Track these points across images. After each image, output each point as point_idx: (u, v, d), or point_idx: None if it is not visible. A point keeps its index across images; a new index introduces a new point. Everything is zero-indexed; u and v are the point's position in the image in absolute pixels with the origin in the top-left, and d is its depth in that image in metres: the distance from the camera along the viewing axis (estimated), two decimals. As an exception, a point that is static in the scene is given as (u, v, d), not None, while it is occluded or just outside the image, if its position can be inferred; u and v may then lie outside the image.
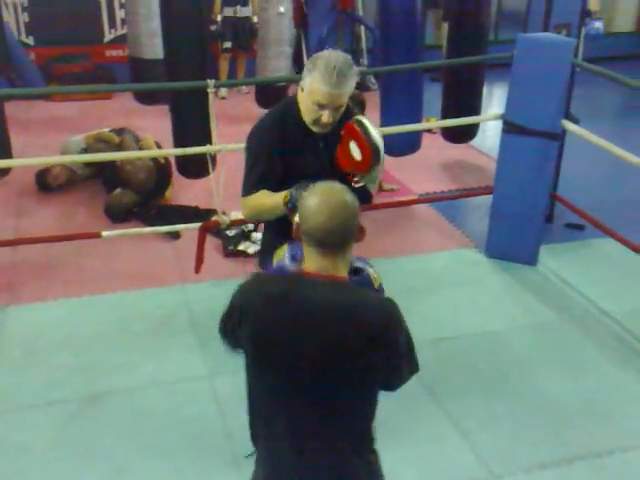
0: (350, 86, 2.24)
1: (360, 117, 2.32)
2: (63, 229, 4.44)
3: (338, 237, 1.64)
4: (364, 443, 1.76)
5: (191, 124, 4.10)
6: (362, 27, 8.29)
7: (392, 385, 1.81)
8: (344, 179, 2.36)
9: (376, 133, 2.26)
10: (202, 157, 3.88)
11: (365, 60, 8.41)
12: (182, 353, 3.45)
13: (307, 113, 2.30)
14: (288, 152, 2.35)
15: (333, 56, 2.22)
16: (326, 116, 2.26)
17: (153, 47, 5.84)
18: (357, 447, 1.72)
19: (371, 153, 2.26)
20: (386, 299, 1.72)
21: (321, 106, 2.24)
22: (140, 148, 5.12)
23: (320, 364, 1.61)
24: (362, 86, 7.82)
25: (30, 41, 7.55)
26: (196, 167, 4.19)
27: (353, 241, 1.68)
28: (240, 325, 1.70)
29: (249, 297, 1.71)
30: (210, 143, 3.75)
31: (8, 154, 4.26)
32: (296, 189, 2.18)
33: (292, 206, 2.16)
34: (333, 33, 8.24)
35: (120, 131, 5.38)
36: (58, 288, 3.93)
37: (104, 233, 3.80)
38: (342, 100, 2.26)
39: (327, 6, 8.11)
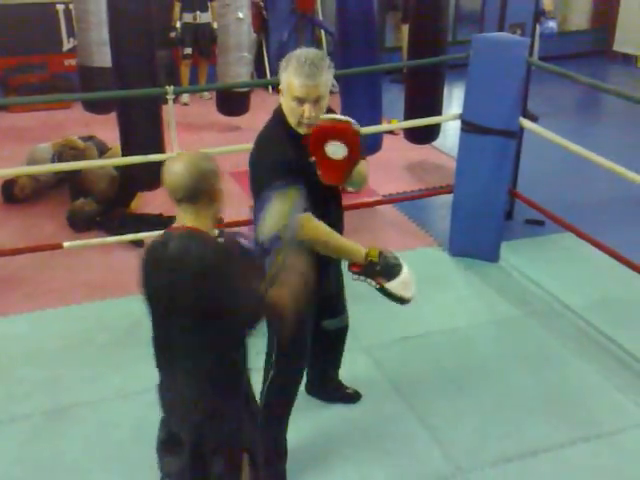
0: (325, 78, 2.26)
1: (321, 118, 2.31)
2: (27, 241, 4.36)
3: (186, 192, 1.86)
4: (207, 384, 1.94)
5: (142, 133, 4.08)
6: (322, 31, 8.32)
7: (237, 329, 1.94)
8: (335, 196, 2.47)
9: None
10: (156, 167, 3.85)
11: (326, 63, 8.43)
12: (148, 363, 3.40)
13: (291, 114, 2.31)
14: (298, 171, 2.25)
15: (304, 51, 2.29)
16: (307, 110, 2.26)
17: (102, 55, 5.66)
18: (200, 387, 1.93)
19: (355, 133, 2.28)
20: (214, 251, 1.86)
21: (300, 101, 2.25)
22: (109, 155, 5.08)
23: (160, 307, 1.91)
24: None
25: (-15, 51, 7.44)
26: (150, 177, 4.11)
27: (208, 199, 1.90)
28: None
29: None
30: (163, 152, 3.74)
31: None
32: (386, 257, 2.36)
33: (380, 269, 2.33)
34: (294, 37, 8.26)
35: (88, 140, 5.34)
36: (20, 302, 3.88)
37: (65, 244, 3.77)
38: (319, 91, 2.26)
39: (287, 10, 8.12)
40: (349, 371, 3.35)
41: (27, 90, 7.04)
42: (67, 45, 7.77)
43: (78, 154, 4.99)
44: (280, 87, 2.32)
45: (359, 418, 3.09)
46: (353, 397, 3.19)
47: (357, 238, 4.57)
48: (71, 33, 7.69)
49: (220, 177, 1.95)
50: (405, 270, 2.41)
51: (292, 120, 2.32)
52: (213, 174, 1.92)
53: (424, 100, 5.17)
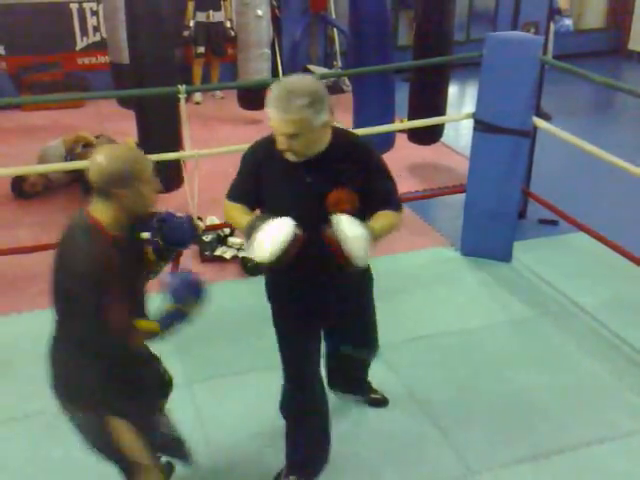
0: (302, 113, 2.03)
1: (337, 221, 2.08)
2: (41, 238, 4.37)
3: (98, 184, 1.95)
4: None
5: (159, 131, 4.10)
6: (335, 30, 8.31)
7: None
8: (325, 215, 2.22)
9: (353, 240, 2.06)
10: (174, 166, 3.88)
11: (339, 63, 8.43)
12: (164, 359, 3.43)
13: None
14: (269, 179, 2.26)
15: (292, 80, 2.13)
16: (280, 142, 2.11)
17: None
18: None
19: (346, 260, 2.10)
20: (91, 258, 1.94)
21: (276, 130, 2.11)
22: None
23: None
24: (335, 88, 7.86)
25: (1, 50, 7.48)
26: (165, 177, 4.13)
27: (118, 196, 1.95)
28: None
29: None
30: (180, 149, 3.75)
31: None
32: (255, 220, 2.14)
33: (247, 236, 2.14)
34: (307, 36, 8.27)
35: (97, 137, 5.36)
36: (33, 299, 3.89)
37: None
38: (291, 128, 2.06)
39: (300, 9, 8.13)
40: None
41: (41, 89, 7.09)
42: (81, 44, 7.81)
43: (89, 152, 5.00)
44: None
45: (370, 418, 3.08)
46: (380, 402, 3.15)
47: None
48: (85, 32, 7.75)
49: (141, 176, 1.97)
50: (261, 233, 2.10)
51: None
52: (128, 173, 1.94)
53: (429, 100, 5.15)
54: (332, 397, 3.10)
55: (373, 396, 3.15)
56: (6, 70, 7.35)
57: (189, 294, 2.07)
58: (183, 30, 7.31)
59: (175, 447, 2.46)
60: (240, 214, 2.30)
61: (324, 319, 2.57)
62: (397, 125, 5.19)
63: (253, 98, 6.56)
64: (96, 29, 7.70)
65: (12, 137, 6.31)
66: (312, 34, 8.30)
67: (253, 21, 6.20)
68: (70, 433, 2.92)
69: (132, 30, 4.19)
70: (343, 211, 2.12)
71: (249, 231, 2.13)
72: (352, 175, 2.20)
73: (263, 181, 2.28)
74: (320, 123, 2.09)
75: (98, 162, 1.95)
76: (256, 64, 6.26)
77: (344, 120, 5.16)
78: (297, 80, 2.14)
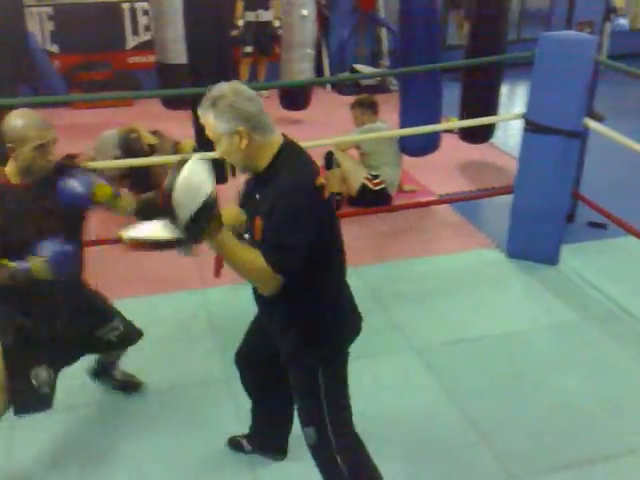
0: (212, 120, 1.97)
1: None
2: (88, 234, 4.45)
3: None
4: None
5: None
6: (383, 29, 8.27)
7: None
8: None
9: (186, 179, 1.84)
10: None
11: (386, 62, 8.39)
12: (201, 357, 3.47)
13: None
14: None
15: (223, 85, 2.00)
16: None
17: (178, 52, 5.89)
18: None
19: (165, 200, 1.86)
20: None
21: None
22: (177, 151, 5.09)
23: None
24: (382, 88, 7.81)
25: (55, 49, 7.67)
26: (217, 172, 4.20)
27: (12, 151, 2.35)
28: None
29: None
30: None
31: None
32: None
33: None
34: (354, 35, 8.26)
35: (152, 134, 5.39)
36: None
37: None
38: (208, 130, 2.02)
39: (348, 8, 8.12)
40: (399, 372, 3.32)
41: (91, 87, 7.23)
42: (131, 43, 7.96)
43: (141, 141, 5.00)
44: None
45: (409, 420, 3.05)
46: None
47: (411, 238, 4.62)
48: (135, 31, 7.89)
49: (25, 141, 2.34)
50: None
51: None
52: (13, 134, 2.34)
53: (480, 99, 5.08)
54: (377, 403, 3.08)
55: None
56: (59, 68, 7.52)
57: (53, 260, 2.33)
58: (232, 30, 7.36)
59: (28, 400, 2.57)
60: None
61: None
62: (443, 125, 5.13)
63: (294, 98, 6.59)
64: (147, 28, 7.83)
65: (61, 134, 6.43)
66: (360, 33, 8.28)
67: (298, 21, 6.18)
68: (114, 427, 3.00)
69: (190, 29, 4.24)
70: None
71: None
72: (265, 210, 2.01)
73: None
74: (219, 130, 1.98)
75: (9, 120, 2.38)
76: (299, 64, 6.24)
77: (390, 119, 5.14)
78: (228, 84, 2.01)
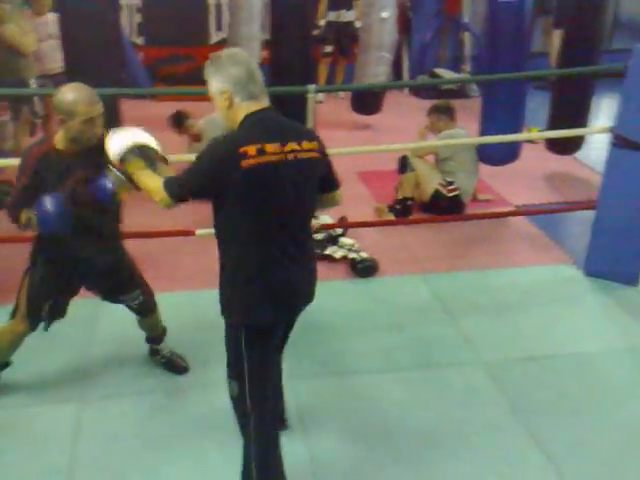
0: (207, 76, 2.26)
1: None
2: (159, 225, 4.51)
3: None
4: None
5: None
6: (467, 33, 8.14)
7: None
8: None
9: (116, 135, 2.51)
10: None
11: (468, 67, 8.26)
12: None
13: None
14: None
15: (225, 49, 2.33)
16: None
17: (251, 50, 6.01)
18: None
19: None
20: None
21: None
22: None
23: None
24: (462, 93, 7.69)
25: (140, 41, 7.87)
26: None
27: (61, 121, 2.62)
28: None
29: None
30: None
31: None
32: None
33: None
34: (437, 38, 8.16)
35: None
36: (153, 283, 4.02)
37: (198, 231, 3.87)
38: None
39: (432, 11, 8.03)
40: (465, 384, 3.24)
41: (174, 80, 7.40)
42: (214, 38, 8.08)
43: None
44: None
45: (472, 434, 2.97)
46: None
47: (485, 249, 4.51)
48: (219, 27, 8.00)
49: (74, 115, 2.55)
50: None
51: None
52: (63, 107, 2.56)
53: (571, 110, 4.93)
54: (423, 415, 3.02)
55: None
56: (143, 60, 7.70)
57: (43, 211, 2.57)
58: (313, 29, 7.38)
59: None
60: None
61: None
62: (526, 135, 5.01)
63: (366, 102, 6.52)
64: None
65: (147, 126, 6.56)
66: (442, 36, 8.17)
67: (376, 23, 6.13)
68: (178, 414, 3.04)
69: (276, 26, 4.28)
70: None
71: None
72: None
73: None
74: (212, 89, 2.24)
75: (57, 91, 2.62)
76: (374, 67, 6.17)
77: (468, 126, 5.04)
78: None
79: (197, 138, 5.13)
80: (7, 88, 4.73)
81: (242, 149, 2.13)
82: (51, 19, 5.36)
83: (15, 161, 2.97)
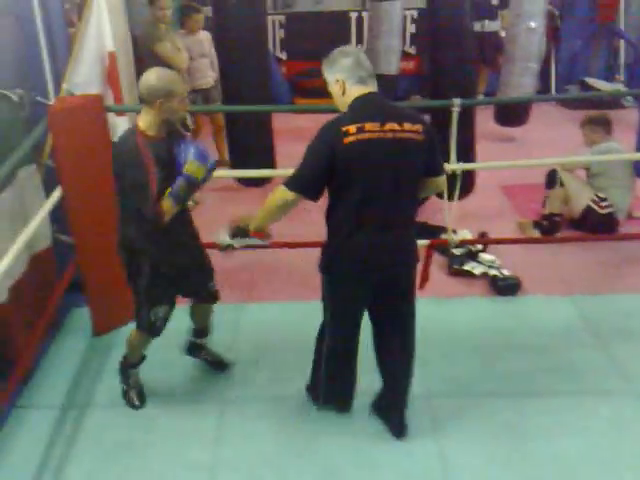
0: (324, 70, 2.57)
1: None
2: (295, 235, 4.54)
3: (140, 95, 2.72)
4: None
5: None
6: (622, 41, 7.69)
7: None
8: None
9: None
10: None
11: (622, 76, 7.78)
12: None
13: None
14: None
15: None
16: None
17: (387, 63, 6.27)
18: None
19: None
20: (123, 146, 2.75)
21: None
22: None
23: None
24: (616, 103, 7.25)
25: (283, 56, 8.07)
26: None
27: (150, 105, 2.69)
28: None
29: None
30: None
31: (273, 163, 4.54)
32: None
33: None
34: (588, 47, 7.78)
35: None
36: (289, 291, 4.09)
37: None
38: None
39: (585, 19, 7.69)
40: (612, 415, 3.03)
41: (313, 94, 7.49)
42: (355, 52, 8.13)
43: None
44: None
45: (616, 465, 2.74)
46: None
47: (637, 272, 4.17)
48: (360, 39, 8.05)
49: (172, 94, 2.65)
50: None
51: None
52: (162, 89, 2.63)
53: None
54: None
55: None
56: (284, 74, 7.88)
57: (199, 159, 2.68)
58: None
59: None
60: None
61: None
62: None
63: (510, 114, 6.32)
64: (370, 37, 7.97)
65: (284, 137, 6.72)
66: (595, 45, 7.76)
67: (523, 33, 5.91)
68: (311, 422, 3.02)
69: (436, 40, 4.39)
70: None
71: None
72: None
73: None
74: (329, 80, 2.55)
75: (145, 78, 2.68)
76: (519, 78, 5.94)
77: (623, 139, 4.73)
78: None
79: None
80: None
81: (344, 128, 2.42)
82: (205, 37, 5.61)
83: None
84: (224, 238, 2.88)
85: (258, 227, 2.69)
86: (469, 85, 4.36)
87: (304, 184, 2.49)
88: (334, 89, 2.54)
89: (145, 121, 2.72)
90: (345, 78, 2.49)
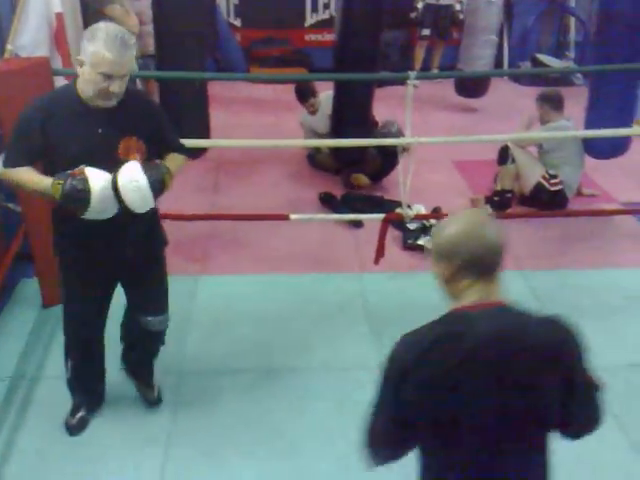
0: (131, 55, 2.29)
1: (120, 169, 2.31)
2: (254, 207, 4.52)
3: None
4: None
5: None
6: (572, 18, 7.80)
7: None
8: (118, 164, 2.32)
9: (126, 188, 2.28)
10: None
11: (572, 54, 7.91)
12: (355, 341, 3.44)
13: (90, 86, 2.29)
14: (54, 135, 2.34)
15: (111, 27, 2.29)
16: (116, 86, 2.27)
17: None
18: None
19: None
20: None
21: (107, 76, 2.25)
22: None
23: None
24: (566, 80, 7.37)
25: (237, 23, 7.90)
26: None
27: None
28: None
29: None
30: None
31: (207, 133, 4.35)
32: (60, 177, 2.25)
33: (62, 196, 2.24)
34: (539, 23, 7.87)
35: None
36: (245, 263, 4.07)
37: (292, 216, 3.85)
38: (126, 69, 2.28)
39: (536, -5, 7.77)
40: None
41: (268, 62, 7.39)
42: (309, 20, 8.02)
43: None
44: (80, 58, 2.28)
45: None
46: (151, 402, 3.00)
47: (587, 247, 4.30)
48: (315, 9, 7.94)
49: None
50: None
51: (91, 92, 2.30)
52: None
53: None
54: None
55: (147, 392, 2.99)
56: (239, 42, 7.73)
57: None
58: (410, 12, 7.25)
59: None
60: (29, 174, 2.37)
61: (115, 269, 2.61)
62: (636, 129, 4.71)
63: (472, 86, 6.40)
64: (326, 6, 7.87)
65: (239, 107, 6.63)
66: (545, 22, 7.86)
67: (483, 5, 6.08)
68: (267, 396, 3.04)
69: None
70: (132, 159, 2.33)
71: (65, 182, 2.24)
72: (141, 126, 2.41)
73: (50, 138, 2.34)
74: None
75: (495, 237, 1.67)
76: (480, 50, 6.11)
77: (575, 115, 4.81)
78: (112, 26, 2.30)
79: (313, 112, 5.24)
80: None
81: None
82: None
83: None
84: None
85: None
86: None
87: None
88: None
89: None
90: None
